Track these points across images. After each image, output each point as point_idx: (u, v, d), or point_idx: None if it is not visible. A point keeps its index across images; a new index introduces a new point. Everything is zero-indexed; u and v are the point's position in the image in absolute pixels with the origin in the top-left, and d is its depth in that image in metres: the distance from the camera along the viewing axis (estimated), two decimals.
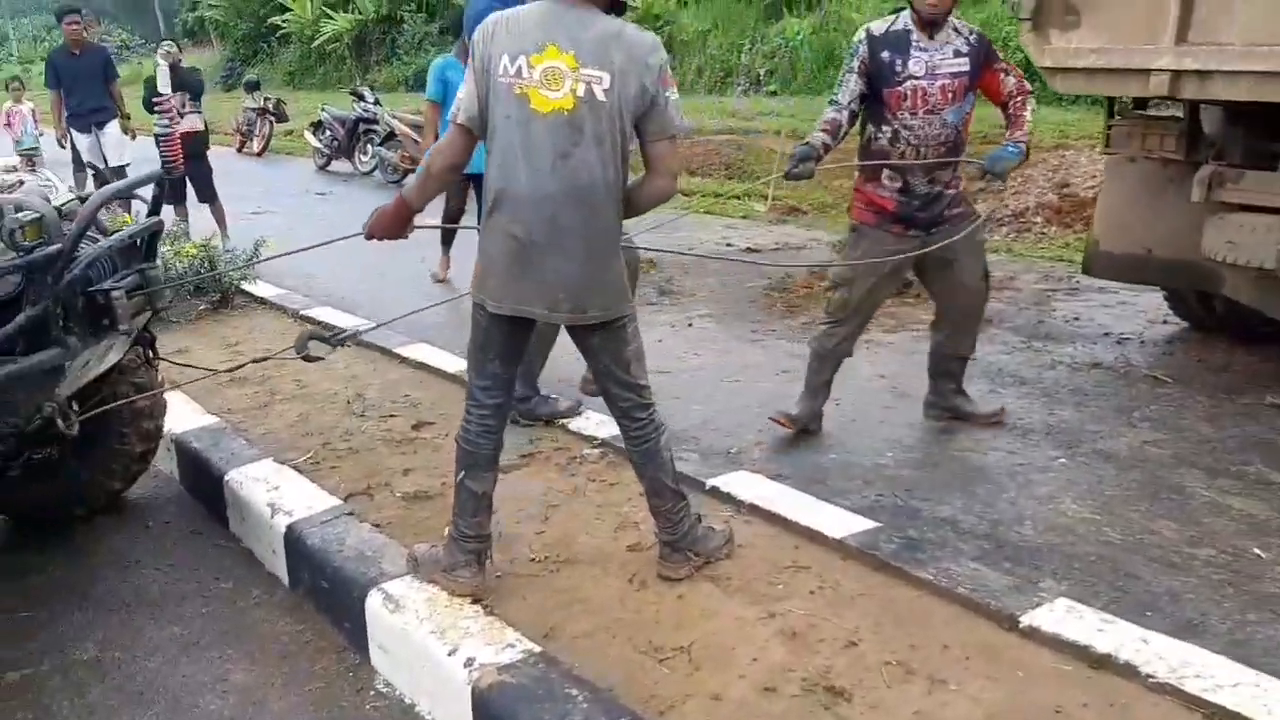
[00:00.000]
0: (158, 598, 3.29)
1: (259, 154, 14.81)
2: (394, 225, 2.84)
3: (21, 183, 3.30)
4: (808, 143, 3.69)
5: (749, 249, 7.34)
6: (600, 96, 2.56)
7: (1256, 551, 3.02)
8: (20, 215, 2.82)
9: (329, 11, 24.95)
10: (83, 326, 3.03)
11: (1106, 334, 5.18)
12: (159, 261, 3.63)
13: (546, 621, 2.73)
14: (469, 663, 2.51)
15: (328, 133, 13.03)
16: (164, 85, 7.80)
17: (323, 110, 13.45)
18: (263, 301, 6.25)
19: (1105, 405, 4.24)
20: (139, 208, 6.32)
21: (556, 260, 2.63)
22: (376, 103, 12.78)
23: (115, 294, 3.09)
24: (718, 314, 5.80)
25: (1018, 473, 3.62)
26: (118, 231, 3.47)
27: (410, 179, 2.81)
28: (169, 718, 2.71)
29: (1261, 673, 2.35)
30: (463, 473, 2.86)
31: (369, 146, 12.30)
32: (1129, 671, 2.37)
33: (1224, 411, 4.12)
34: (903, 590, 2.80)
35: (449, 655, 2.55)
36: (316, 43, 25.34)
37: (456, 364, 4.55)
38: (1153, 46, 4.00)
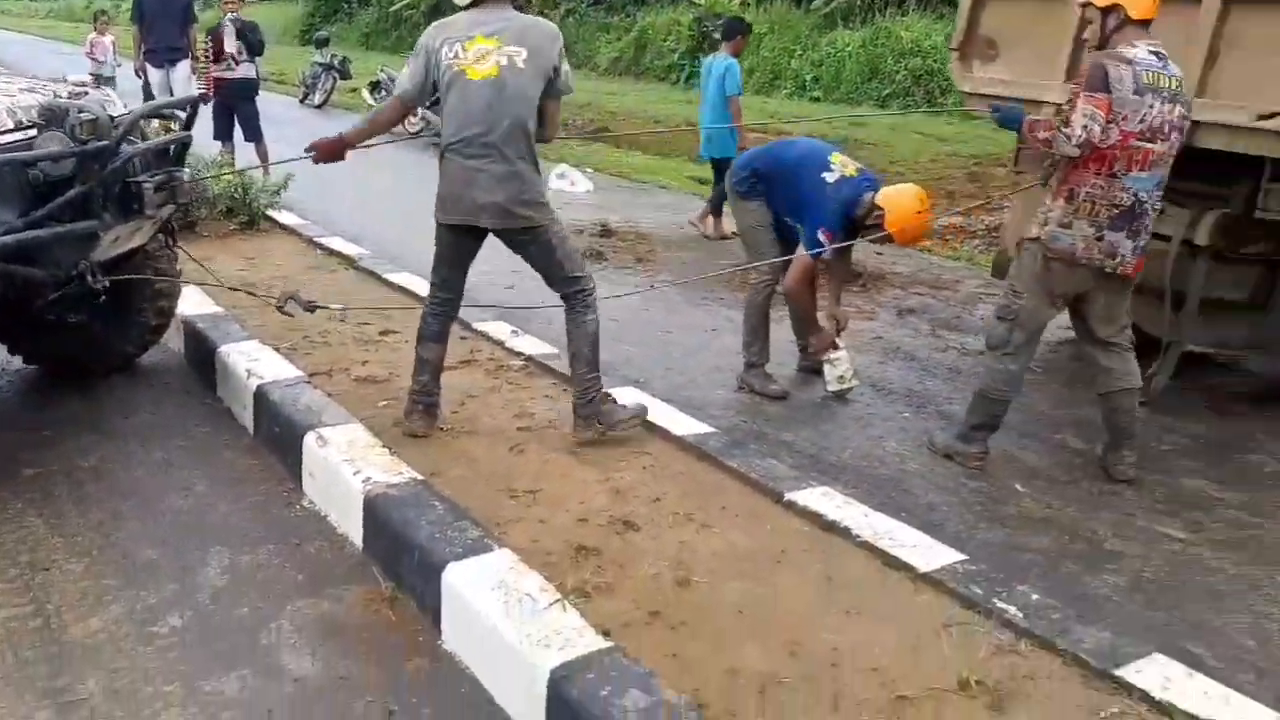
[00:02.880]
0: (149, 434, 4.11)
1: (319, 106, 15.75)
2: (332, 154, 3.84)
3: (87, 93, 4.12)
4: None
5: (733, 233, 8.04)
6: (520, 64, 3.40)
7: (1017, 486, 3.73)
8: (81, 115, 3.65)
9: None
10: (116, 208, 3.87)
11: None
12: (185, 169, 4.46)
13: (435, 466, 3.52)
14: (366, 481, 3.29)
15: (383, 93, 13.91)
16: (229, 39, 8.85)
17: (380, 71, 14.36)
18: (284, 228, 7.13)
19: (971, 381, 4.90)
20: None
21: (489, 180, 3.47)
22: None
23: (145, 185, 3.93)
24: (678, 280, 6.52)
25: (864, 419, 4.35)
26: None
27: (357, 122, 3.88)
28: (143, 507, 3.53)
29: (949, 546, 3.06)
30: (418, 344, 3.79)
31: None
32: (845, 533, 3.11)
33: (1072, 398, 4.77)
34: (715, 475, 3.56)
35: (353, 475, 3.34)
36: (394, 8, 26.45)
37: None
38: (1047, 82, 4.70)
